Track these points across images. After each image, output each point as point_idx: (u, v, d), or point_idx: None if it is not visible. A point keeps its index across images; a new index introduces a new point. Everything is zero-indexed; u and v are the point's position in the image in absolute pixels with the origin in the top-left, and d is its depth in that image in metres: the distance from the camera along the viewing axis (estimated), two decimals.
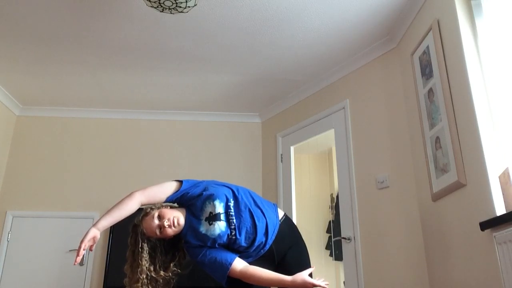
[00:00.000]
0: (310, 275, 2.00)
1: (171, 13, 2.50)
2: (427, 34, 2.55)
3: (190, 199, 2.03)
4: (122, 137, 4.32)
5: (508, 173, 1.88)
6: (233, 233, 1.96)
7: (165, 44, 3.20)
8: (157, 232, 1.93)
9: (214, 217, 1.96)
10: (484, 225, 1.91)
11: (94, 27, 2.97)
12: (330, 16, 2.89)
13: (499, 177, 1.94)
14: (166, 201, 2.04)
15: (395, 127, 3.06)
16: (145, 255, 1.93)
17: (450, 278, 2.34)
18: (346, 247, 3.23)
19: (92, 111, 4.35)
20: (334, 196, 4.52)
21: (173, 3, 2.40)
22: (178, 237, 2.02)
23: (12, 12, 2.80)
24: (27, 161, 4.15)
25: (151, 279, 1.92)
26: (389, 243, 2.92)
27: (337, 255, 4.24)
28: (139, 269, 1.89)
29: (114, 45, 3.21)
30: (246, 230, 1.98)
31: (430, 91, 2.53)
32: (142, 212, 2.00)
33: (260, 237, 1.99)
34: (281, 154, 4.10)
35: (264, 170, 4.29)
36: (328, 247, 4.51)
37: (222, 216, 1.96)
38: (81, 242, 1.87)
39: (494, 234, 1.84)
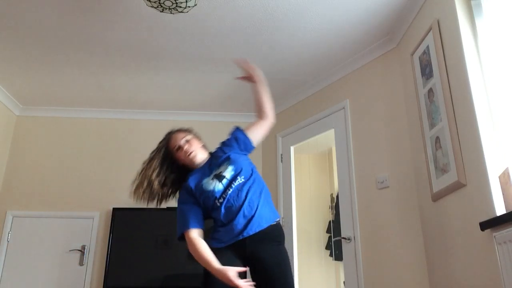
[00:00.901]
0: (244, 275, 1.95)
1: (171, 13, 2.50)
2: (427, 34, 2.55)
3: (222, 152, 2.17)
4: (122, 137, 4.32)
5: (508, 173, 1.88)
6: (220, 201, 2.03)
7: (165, 44, 3.20)
8: (175, 147, 2.18)
9: (218, 176, 2.07)
10: (484, 225, 1.91)
11: (94, 27, 2.97)
12: (330, 16, 2.89)
13: (499, 177, 1.94)
14: (234, 133, 2.26)
15: (395, 127, 3.06)
16: (160, 160, 2.18)
17: (450, 278, 2.34)
18: (346, 247, 3.23)
19: (92, 111, 4.35)
20: (334, 196, 4.53)
21: (173, 3, 2.40)
22: (184, 176, 2.17)
23: (12, 12, 2.80)
24: (27, 161, 4.15)
25: (147, 185, 2.11)
26: (389, 243, 2.92)
27: (337, 255, 4.24)
28: (148, 170, 2.15)
29: (114, 45, 3.21)
30: (231, 207, 2.01)
31: (430, 91, 2.53)
32: (184, 128, 2.31)
33: (238, 223, 1.99)
34: (281, 154, 4.10)
35: (264, 170, 4.29)
36: (328, 247, 4.51)
37: (224, 181, 2.05)
38: None
39: (494, 234, 1.84)
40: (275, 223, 2.06)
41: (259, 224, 2.00)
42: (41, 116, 4.31)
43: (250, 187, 2.06)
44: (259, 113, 2.27)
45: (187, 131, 2.29)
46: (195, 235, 2.01)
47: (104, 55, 3.35)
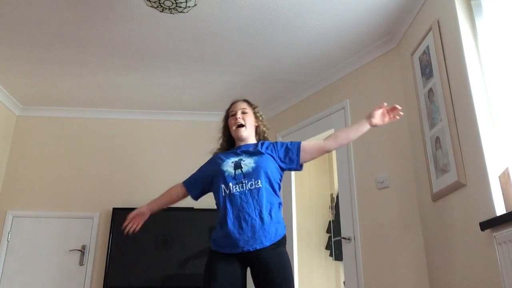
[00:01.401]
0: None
1: (171, 13, 2.50)
2: (427, 34, 2.55)
3: (264, 148, 2.16)
4: (122, 137, 4.32)
5: (508, 173, 1.88)
6: (226, 191, 2.04)
7: (165, 44, 3.20)
8: (231, 112, 2.29)
9: (238, 165, 2.07)
10: (484, 225, 1.91)
11: (94, 27, 2.97)
12: (330, 16, 2.89)
13: (499, 177, 1.94)
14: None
15: (395, 127, 3.06)
16: (223, 120, 2.39)
17: (450, 278, 2.34)
18: (346, 247, 3.23)
19: (92, 111, 4.35)
20: (334, 196, 4.53)
21: (173, 3, 2.40)
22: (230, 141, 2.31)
23: (13, 12, 2.80)
24: (27, 161, 4.15)
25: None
26: (389, 243, 2.92)
27: (337, 255, 4.24)
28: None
29: (114, 45, 3.21)
30: (237, 206, 1.99)
31: (430, 91, 2.53)
32: (250, 102, 2.35)
33: (236, 230, 1.95)
34: None
35: None
36: (328, 247, 4.51)
37: (238, 172, 2.05)
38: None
39: (494, 234, 1.84)
40: (277, 241, 1.98)
41: (261, 242, 1.94)
42: (41, 116, 4.31)
43: (262, 195, 1.99)
44: (331, 140, 2.20)
45: (251, 105, 2.32)
46: (177, 186, 2.29)
47: (104, 55, 3.35)
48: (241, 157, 2.11)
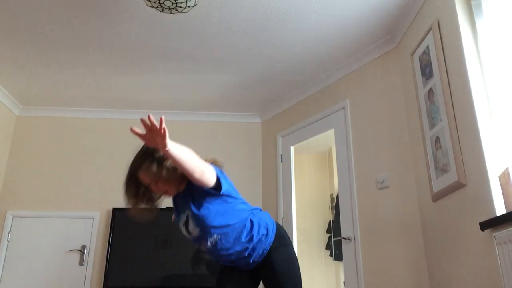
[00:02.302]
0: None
1: (171, 13, 2.50)
2: (427, 34, 2.55)
3: (201, 198, 1.86)
4: (122, 137, 4.32)
5: (508, 173, 1.88)
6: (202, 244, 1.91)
7: (165, 44, 3.20)
8: (145, 182, 1.86)
9: (186, 228, 1.92)
10: (484, 225, 1.91)
11: (94, 27, 2.97)
12: (330, 16, 2.89)
13: (499, 177, 1.94)
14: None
15: (395, 127, 3.06)
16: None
17: (450, 278, 2.34)
18: (346, 247, 3.23)
19: (92, 111, 4.35)
20: (334, 196, 4.53)
21: (173, 3, 2.40)
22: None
23: (13, 12, 2.80)
24: (27, 161, 4.15)
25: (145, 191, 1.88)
26: (389, 243, 2.92)
27: (337, 255, 4.24)
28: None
29: (114, 45, 3.21)
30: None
31: (430, 91, 2.53)
32: (157, 157, 1.82)
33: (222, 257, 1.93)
34: (281, 154, 4.10)
35: (264, 170, 4.29)
36: (328, 247, 4.51)
37: (194, 235, 1.90)
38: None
39: (494, 234, 1.84)
40: (269, 249, 1.93)
41: (255, 260, 1.94)
42: (41, 116, 4.31)
43: (229, 241, 1.88)
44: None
45: (149, 170, 1.82)
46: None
47: (104, 55, 3.35)
48: (181, 223, 1.94)
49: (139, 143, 1.88)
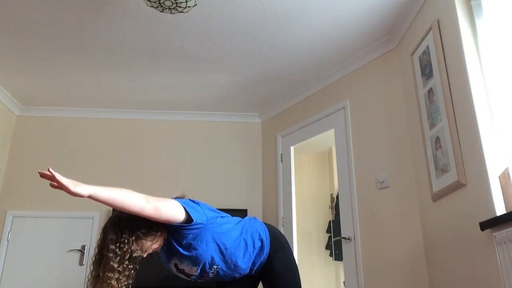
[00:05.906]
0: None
1: (171, 13, 2.50)
2: (427, 34, 2.55)
3: (183, 238, 1.78)
4: (122, 137, 4.32)
5: (508, 173, 1.88)
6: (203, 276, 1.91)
7: (165, 44, 3.20)
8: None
9: (181, 271, 1.89)
10: (484, 225, 1.91)
11: (94, 27, 2.97)
12: (330, 16, 2.89)
13: (499, 177, 1.94)
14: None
15: (395, 127, 3.06)
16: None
17: (450, 278, 2.34)
18: (346, 247, 3.23)
19: (92, 111, 4.35)
20: (334, 196, 4.53)
21: (173, 3, 2.40)
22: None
23: (12, 12, 2.80)
24: (27, 161, 4.15)
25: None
26: (389, 243, 2.92)
27: (337, 255, 4.25)
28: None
29: (114, 45, 3.21)
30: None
31: (430, 91, 2.53)
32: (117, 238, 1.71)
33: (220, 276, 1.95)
34: (281, 154, 4.10)
35: (264, 170, 4.29)
36: (328, 247, 4.51)
37: (193, 275, 1.88)
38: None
39: (494, 234, 1.84)
40: (268, 257, 1.97)
41: (254, 270, 2.00)
42: (41, 116, 4.31)
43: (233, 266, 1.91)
44: None
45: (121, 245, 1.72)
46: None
47: (104, 55, 3.35)
48: (172, 264, 1.94)
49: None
